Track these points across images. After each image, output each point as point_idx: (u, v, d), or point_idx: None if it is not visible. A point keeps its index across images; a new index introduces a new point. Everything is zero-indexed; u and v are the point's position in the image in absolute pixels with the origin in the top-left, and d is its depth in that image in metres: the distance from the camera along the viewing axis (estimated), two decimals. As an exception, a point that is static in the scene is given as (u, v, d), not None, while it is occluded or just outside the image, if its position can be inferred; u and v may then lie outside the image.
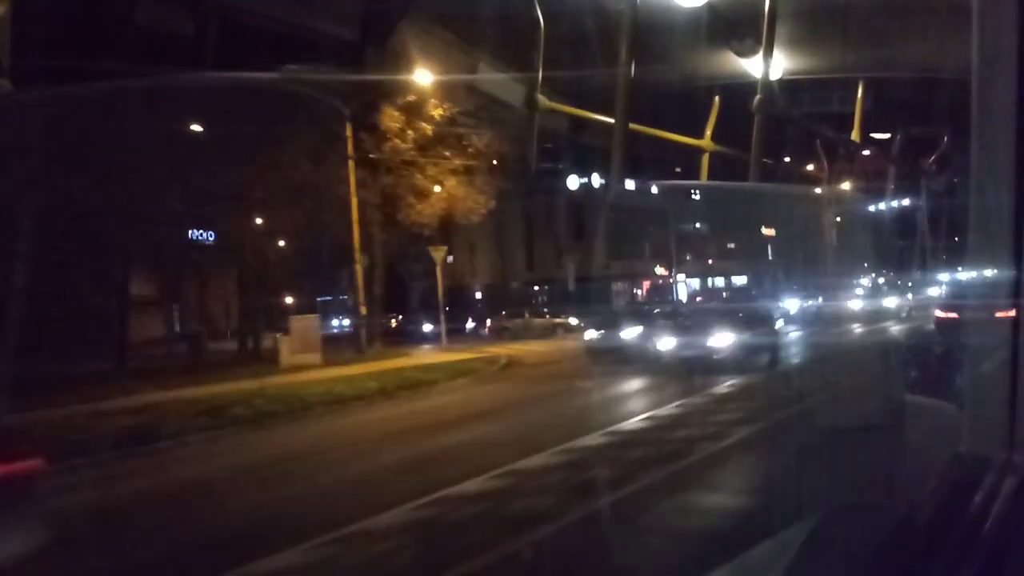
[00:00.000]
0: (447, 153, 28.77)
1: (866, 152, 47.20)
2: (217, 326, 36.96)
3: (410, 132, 27.52)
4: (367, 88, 26.38)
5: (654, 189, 40.32)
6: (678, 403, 12.82)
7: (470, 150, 29.14)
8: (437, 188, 29.38)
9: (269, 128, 26.36)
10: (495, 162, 30.62)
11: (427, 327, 37.96)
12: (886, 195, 52.55)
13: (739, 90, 36.34)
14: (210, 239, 33.99)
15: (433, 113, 27.82)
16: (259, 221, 31.05)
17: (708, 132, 42.50)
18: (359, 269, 27.21)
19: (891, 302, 35.97)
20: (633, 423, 11.45)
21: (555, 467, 8.73)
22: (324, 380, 18.33)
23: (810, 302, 38.83)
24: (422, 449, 10.71)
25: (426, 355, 26.02)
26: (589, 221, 44.32)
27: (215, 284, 37.49)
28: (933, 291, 44.30)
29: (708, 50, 34.31)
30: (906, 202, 52.38)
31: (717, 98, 41.46)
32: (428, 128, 27.83)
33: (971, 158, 2.24)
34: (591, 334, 24.74)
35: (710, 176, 42.98)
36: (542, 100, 33.40)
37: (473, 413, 14.07)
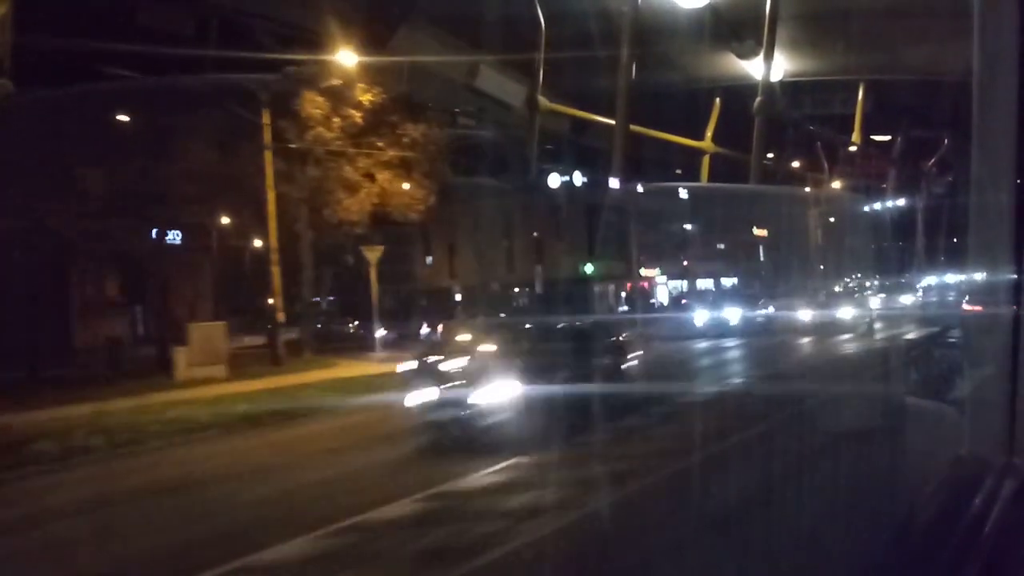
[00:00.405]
0: (380, 144, 26.32)
1: (865, 153, 47.19)
2: (181, 330, 35.60)
3: (336, 120, 25.07)
4: (287, 72, 23.94)
5: (639, 189, 38.51)
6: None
7: (405, 140, 26.55)
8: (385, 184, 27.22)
9: (184, 120, 24.91)
10: (435, 154, 28.13)
11: (380, 333, 36.85)
12: (880, 196, 52.28)
13: (740, 92, 36.40)
14: (177, 239, 32.07)
15: (361, 99, 25.28)
16: (188, 219, 28.75)
17: (709, 134, 42.53)
18: (275, 272, 24.68)
19: (848, 312, 28.77)
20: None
21: None
22: (196, 401, 16.23)
23: (758, 311, 33.36)
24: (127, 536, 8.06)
25: (352, 367, 23.46)
26: (570, 221, 43.03)
27: (181, 286, 34.94)
28: (906, 299, 40.01)
29: (709, 52, 34.35)
30: (901, 203, 51.93)
31: (718, 100, 41.53)
32: (357, 115, 25.23)
33: (972, 159, 2.24)
34: (407, 364, 15.78)
35: (711, 177, 42.98)
36: (543, 101, 33.50)
37: (279, 464, 11.17)
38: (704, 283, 49.61)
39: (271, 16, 26.23)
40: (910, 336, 23.55)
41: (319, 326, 34.25)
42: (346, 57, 23.77)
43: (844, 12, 28.44)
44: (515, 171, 38.81)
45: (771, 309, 33.55)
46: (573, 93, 35.03)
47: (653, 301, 44.28)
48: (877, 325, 28.19)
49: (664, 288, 46.67)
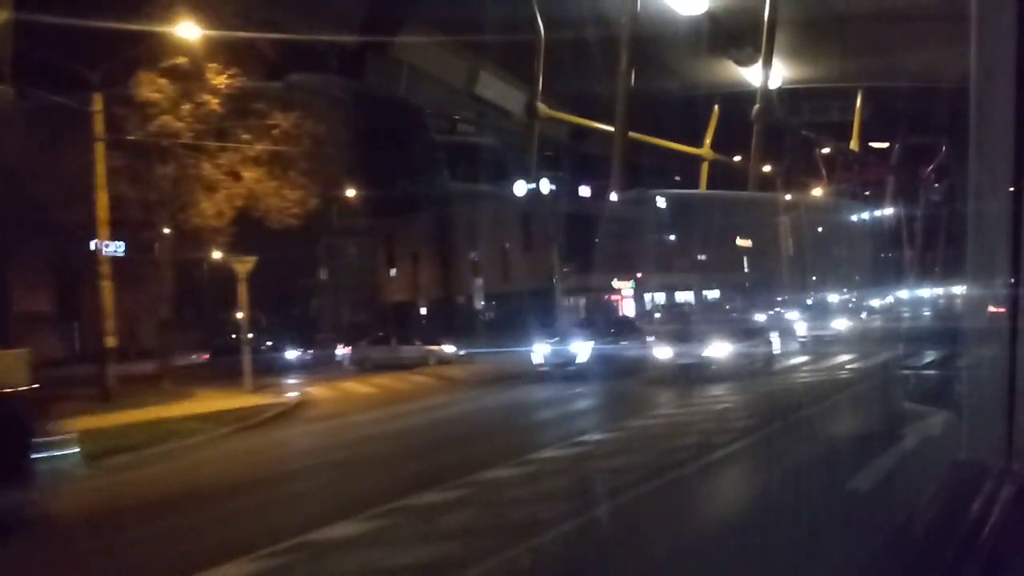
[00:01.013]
0: (246, 136, 22.67)
1: (863, 159, 47.17)
2: (123, 345, 32.36)
3: (186, 106, 21.33)
4: (123, 49, 19.82)
5: (613, 197, 35.25)
6: None
7: (275, 132, 22.82)
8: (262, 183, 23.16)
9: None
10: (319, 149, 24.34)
11: (292, 354, 32.63)
12: (867, 202, 51.52)
13: (739, 99, 36.49)
14: (119, 251, 30.04)
15: (215, 81, 21.40)
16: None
17: (708, 141, 42.60)
18: (107, 287, 20.75)
19: (722, 349, 18.68)
20: None
21: None
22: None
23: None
24: None
25: (203, 401, 19.74)
26: (539, 230, 39.23)
27: (123, 299, 33.27)
28: (841, 323, 29.52)
29: (708, 59, 34.45)
30: (889, 211, 50.90)
31: (716, 107, 41.61)
32: (213, 101, 21.57)
33: (969, 167, 2.25)
34: None
35: (710, 184, 42.99)
36: (542, 108, 33.56)
37: None
38: (684, 295, 46.82)
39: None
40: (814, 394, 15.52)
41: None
42: (187, 30, 19.66)
43: (842, 19, 28.55)
44: (492, 179, 38.06)
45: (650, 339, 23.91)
46: (572, 100, 35.09)
47: (620, 317, 40.36)
48: (792, 361, 21.39)
49: (631, 302, 42.80)
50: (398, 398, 19.82)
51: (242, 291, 22.93)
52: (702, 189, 42.75)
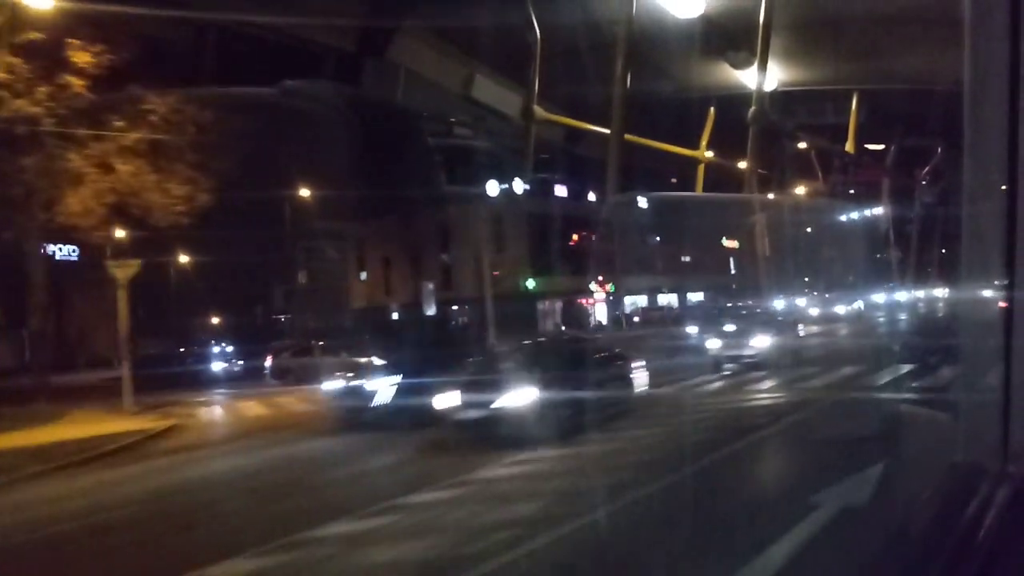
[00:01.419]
0: (120, 123, 20.29)
1: (858, 161, 47.21)
2: (72, 354, 29.28)
3: (42, 89, 18.86)
4: None
5: (591, 198, 34.22)
6: None
7: (152, 118, 20.30)
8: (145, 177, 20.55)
9: None
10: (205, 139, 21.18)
11: (218, 365, 31.13)
12: (851, 201, 51.37)
13: (735, 102, 36.61)
14: (73, 255, 27.71)
15: (76, 60, 18.97)
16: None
17: (704, 143, 42.73)
18: None
19: (527, 395, 11.44)
20: None
21: None
22: None
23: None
24: None
25: (62, 425, 16.96)
26: (512, 231, 37.33)
27: (74, 307, 30.28)
28: (762, 341, 19.74)
29: (704, 62, 34.57)
30: (878, 212, 50.41)
31: (712, 110, 41.74)
32: (77, 83, 19.06)
33: (963, 170, 2.26)
34: None
35: (705, 186, 43.07)
36: (538, 111, 33.67)
37: None
38: (666, 298, 45.60)
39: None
40: None
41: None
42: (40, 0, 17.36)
43: (837, 22, 28.67)
44: (485, 182, 37.40)
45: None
46: (569, 103, 35.18)
47: (594, 322, 38.92)
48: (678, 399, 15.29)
49: (603, 306, 40.46)
50: (281, 424, 16.72)
51: (122, 299, 20.06)
52: (698, 191, 42.76)
